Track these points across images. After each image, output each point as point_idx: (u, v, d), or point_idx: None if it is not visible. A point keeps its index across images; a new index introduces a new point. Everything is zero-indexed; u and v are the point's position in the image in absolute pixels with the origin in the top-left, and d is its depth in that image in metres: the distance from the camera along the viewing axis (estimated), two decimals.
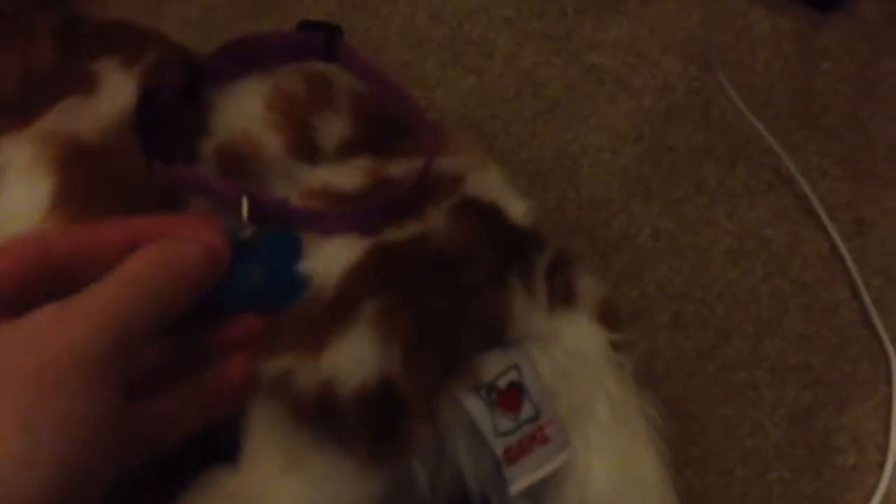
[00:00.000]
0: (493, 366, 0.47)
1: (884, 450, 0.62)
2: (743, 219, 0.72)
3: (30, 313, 0.26)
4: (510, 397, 0.47)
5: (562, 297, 0.51)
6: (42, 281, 0.28)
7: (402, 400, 0.45)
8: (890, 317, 0.67)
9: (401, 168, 0.51)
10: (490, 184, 0.53)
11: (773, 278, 0.70)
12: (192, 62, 0.56)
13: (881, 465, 0.62)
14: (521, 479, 0.46)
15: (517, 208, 0.52)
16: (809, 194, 0.71)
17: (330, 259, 0.45)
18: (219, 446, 0.45)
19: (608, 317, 0.52)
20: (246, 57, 0.55)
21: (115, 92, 0.52)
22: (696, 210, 0.73)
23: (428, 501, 0.47)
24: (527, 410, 0.47)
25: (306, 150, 0.52)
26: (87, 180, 0.48)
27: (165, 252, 0.29)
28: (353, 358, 0.43)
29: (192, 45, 0.75)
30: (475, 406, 0.46)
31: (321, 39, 0.56)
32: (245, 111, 0.53)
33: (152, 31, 0.59)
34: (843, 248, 0.70)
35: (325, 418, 0.43)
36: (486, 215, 0.50)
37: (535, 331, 0.49)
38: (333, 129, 0.54)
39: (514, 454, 0.46)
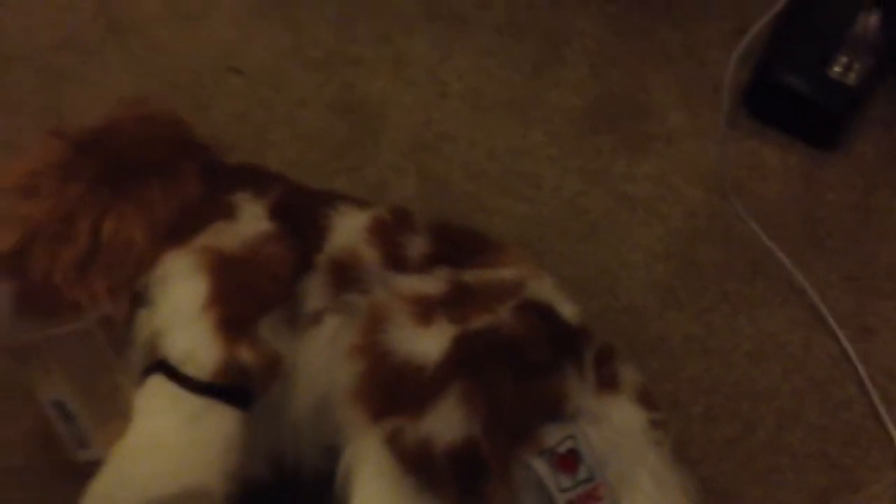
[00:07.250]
0: (553, 435, 0.58)
1: None
2: (762, 325, 0.83)
3: None
4: (568, 461, 0.57)
5: (607, 382, 0.62)
6: None
7: (483, 463, 0.56)
8: (895, 410, 0.77)
9: (473, 276, 0.64)
10: (545, 290, 0.66)
11: (791, 377, 0.80)
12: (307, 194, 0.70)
13: None
14: None
15: (568, 309, 0.65)
16: (819, 304, 0.83)
17: (429, 343, 0.57)
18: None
19: (646, 399, 0.63)
20: None
21: (251, 217, 0.65)
22: (721, 318, 0.84)
23: None
24: (583, 472, 0.57)
25: (397, 262, 0.66)
26: (233, 281, 0.61)
27: None
28: (446, 423, 0.55)
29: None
30: (541, 467, 0.57)
31: None
32: (352, 233, 0.66)
33: (274, 171, 0.74)
34: (851, 351, 0.80)
35: (424, 469, 0.54)
36: (544, 314, 0.62)
37: (586, 409, 0.60)
38: (416, 246, 0.67)
39: None
